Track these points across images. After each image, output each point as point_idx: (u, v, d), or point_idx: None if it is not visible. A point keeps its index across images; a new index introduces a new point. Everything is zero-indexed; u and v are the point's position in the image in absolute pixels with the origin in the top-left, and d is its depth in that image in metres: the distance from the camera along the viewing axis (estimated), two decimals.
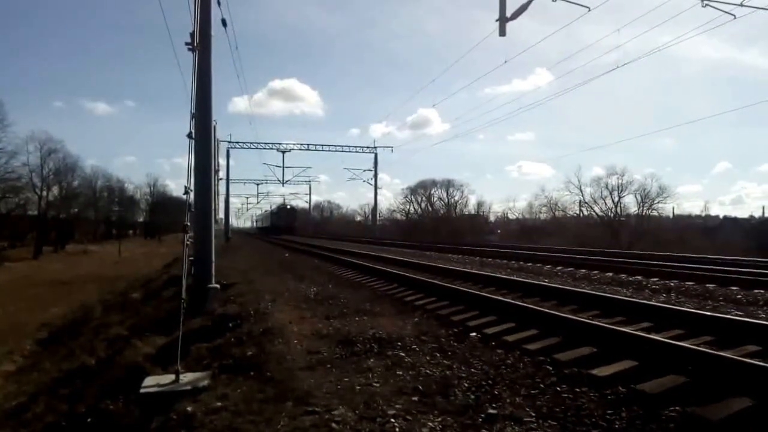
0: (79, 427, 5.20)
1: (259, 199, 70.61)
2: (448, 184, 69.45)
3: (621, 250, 26.07)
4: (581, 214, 54.08)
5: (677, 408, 3.31)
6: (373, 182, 49.84)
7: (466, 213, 68.62)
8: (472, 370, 4.36)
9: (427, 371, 4.35)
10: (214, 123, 10.58)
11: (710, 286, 9.11)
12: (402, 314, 7.09)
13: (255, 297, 9.08)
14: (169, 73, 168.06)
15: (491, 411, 3.41)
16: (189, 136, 5.90)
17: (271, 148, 47.87)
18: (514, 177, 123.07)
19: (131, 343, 7.60)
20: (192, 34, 6.75)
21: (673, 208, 52.82)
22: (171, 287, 13.95)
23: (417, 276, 10.47)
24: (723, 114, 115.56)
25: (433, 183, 70.34)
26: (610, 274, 11.34)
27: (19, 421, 6.94)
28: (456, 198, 69.56)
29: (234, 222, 76.28)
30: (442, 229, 57.75)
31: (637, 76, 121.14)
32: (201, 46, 7.38)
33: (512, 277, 9.95)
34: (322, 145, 47.89)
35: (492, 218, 70.86)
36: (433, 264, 13.83)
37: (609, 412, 3.34)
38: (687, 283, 9.54)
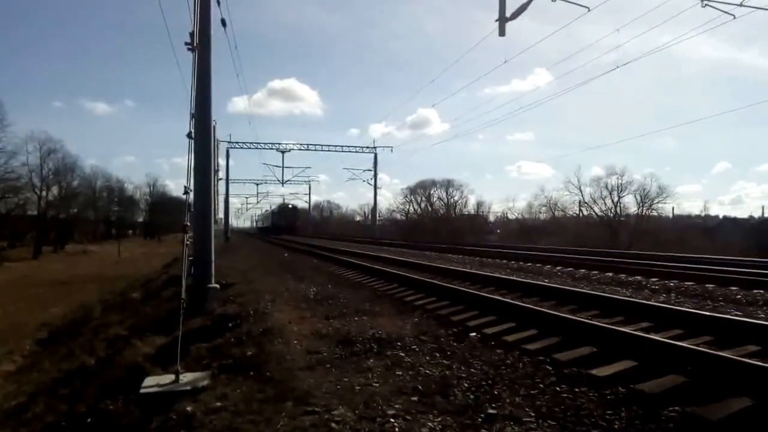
0: (79, 427, 5.20)
1: (259, 199, 70.64)
2: (447, 184, 69.51)
3: (620, 250, 26.07)
4: (581, 214, 54.15)
5: (677, 408, 3.31)
6: (372, 182, 49.81)
7: (466, 213, 68.63)
8: (472, 370, 4.36)
9: (427, 371, 4.36)
10: (213, 123, 10.59)
11: (710, 286, 9.11)
12: (402, 314, 7.10)
13: (254, 297, 9.09)
14: (168, 73, 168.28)
15: (491, 411, 3.41)
16: (189, 136, 5.90)
17: (271, 148, 47.84)
18: (513, 177, 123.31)
19: (131, 343, 7.59)
20: (191, 34, 6.74)
21: (673, 208, 52.90)
22: (170, 287, 13.94)
23: (416, 276, 10.48)
24: (723, 114, 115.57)
25: (433, 183, 70.40)
26: (610, 274, 11.34)
27: (18, 420, 6.94)
28: (455, 198, 69.62)
29: (234, 222, 76.31)
30: (441, 229, 57.74)
31: (636, 76, 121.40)
32: (201, 45, 7.38)
33: (512, 277, 9.95)
34: (322, 145, 47.88)
35: (491, 218, 70.96)
36: (433, 264, 13.83)
37: (609, 412, 3.35)
38: (686, 283, 9.55)
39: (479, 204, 69.97)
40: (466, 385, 3.97)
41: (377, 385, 4.05)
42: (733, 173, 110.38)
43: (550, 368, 4.31)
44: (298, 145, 48.95)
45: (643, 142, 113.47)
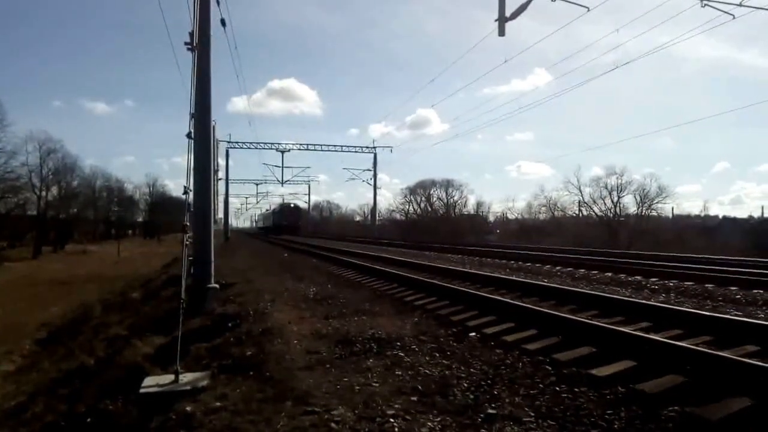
0: (79, 427, 5.19)
1: (258, 199, 70.67)
2: (447, 184, 69.52)
3: (620, 250, 26.08)
4: (580, 214, 54.13)
5: (676, 408, 3.31)
6: (372, 182, 49.81)
7: (466, 213, 68.62)
8: (472, 370, 4.36)
9: (427, 371, 4.36)
10: (213, 123, 10.58)
11: (709, 286, 9.11)
12: (401, 314, 7.10)
13: (254, 297, 9.09)
14: (168, 73, 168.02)
15: (490, 411, 3.41)
16: (188, 136, 5.90)
17: (270, 148, 47.82)
18: (513, 177, 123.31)
19: (131, 342, 7.59)
20: (191, 34, 6.75)
21: (673, 208, 52.81)
22: (170, 287, 13.95)
23: (416, 276, 10.48)
24: (722, 114, 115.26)
25: (433, 183, 70.41)
26: (609, 274, 11.34)
27: (18, 420, 6.93)
28: (455, 198, 69.63)
29: (233, 222, 76.43)
30: (441, 229, 57.74)
31: (636, 76, 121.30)
32: (200, 45, 7.39)
33: (511, 277, 9.96)
34: (321, 145, 47.88)
35: (491, 218, 70.88)
36: (433, 264, 13.83)
37: (608, 412, 3.35)
38: (686, 283, 9.55)
39: (479, 204, 70.06)
40: (465, 385, 3.97)
41: (377, 385, 4.05)
42: (732, 173, 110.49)
43: (550, 368, 4.31)
44: (298, 145, 48.98)
45: (643, 142, 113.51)
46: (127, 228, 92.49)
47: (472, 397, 3.71)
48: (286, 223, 58.44)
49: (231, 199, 51.26)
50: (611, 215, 51.49)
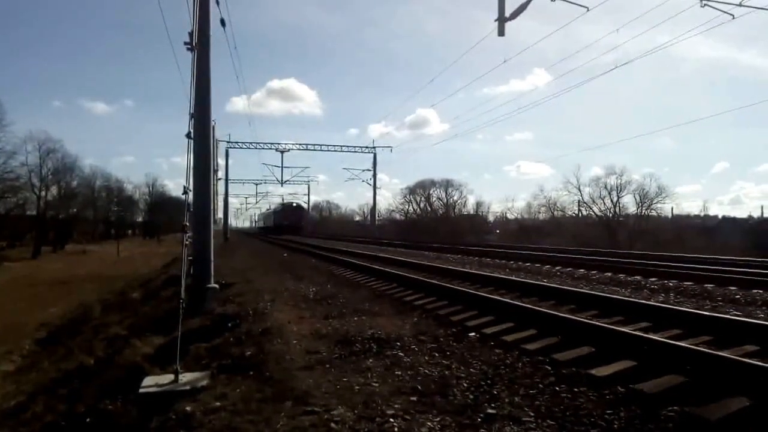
0: (78, 427, 5.19)
1: (258, 199, 70.58)
2: (446, 184, 69.50)
3: (619, 250, 26.09)
4: (580, 214, 54.11)
5: (676, 408, 3.32)
6: (371, 182, 49.83)
7: (465, 213, 68.61)
8: (471, 369, 4.36)
9: (426, 371, 4.36)
10: (212, 123, 10.58)
11: (709, 286, 9.11)
12: (401, 314, 7.10)
13: (254, 297, 9.08)
14: (168, 73, 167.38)
15: (490, 411, 3.41)
16: (188, 136, 5.90)
17: (270, 148, 47.91)
18: (512, 177, 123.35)
19: (130, 342, 7.59)
20: (191, 34, 6.75)
21: (672, 208, 52.77)
22: (170, 287, 13.94)
23: (416, 276, 10.48)
24: (722, 114, 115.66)
25: (432, 183, 70.38)
26: (609, 274, 11.34)
27: (18, 420, 6.92)
28: (455, 198, 69.62)
29: (233, 222, 76.40)
30: (440, 229, 57.74)
31: (635, 76, 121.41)
32: (200, 45, 7.39)
33: (511, 277, 9.96)
34: (321, 145, 47.93)
35: (491, 218, 70.89)
36: (432, 264, 13.84)
37: (608, 411, 3.35)
38: (685, 283, 9.55)
39: (478, 204, 70.06)
40: (465, 384, 3.97)
41: (376, 384, 4.06)
42: (732, 173, 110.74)
43: (549, 368, 4.31)
44: (298, 145, 49.03)
45: (642, 142, 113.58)
46: (127, 228, 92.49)
47: (471, 397, 3.71)
48: (288, 223, 57.23)
49: (230, 199, 51.37)
50: (611, 215, 51.49)
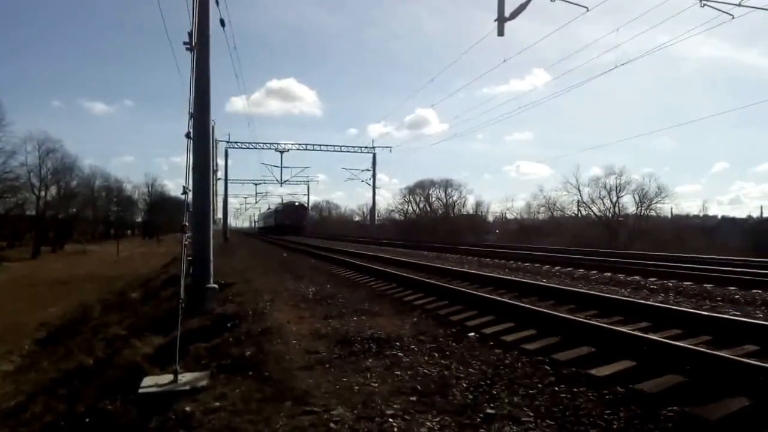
0: (78, 427, 5.19)
1: (258, 199, 70.42)
2: (446, 184, 69.58)
3: (619, 250, 26.10)
4: (579, 214, 54.16)
5: (675, 408, 3.32)
6: (371, 182, 49.83)
7: (465, 213, 68.67)
8: (471, 369, 4.36)
9: (426, 371, 4.36)
10: (212, 123, 10.58)
11: (708, 286, 9.12)
12: (400, 314, 7.10)
13: (253, 297, 9.08)
14: (167, 73, 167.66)
15: (489, 411, 3.41)
16: (187, 135, 5.90)
17: (270, 148, 47.81)
18: (512, 177, 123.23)
19: (130, 342, 7.58)
20: (190, 34, 6.75)
21: (672, 208, 52.85)
22: (169, 287, 13.94)
23: (415, 276, 10.48)
24: (722, 114, 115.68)
25: (432, 183, 70.47)
26: (608, 274, 11.35)
27: (17, 420, 6.92)
28: (454, 198, 69.70)
29: (232, 222, 76.37)
30: (440, 229, 57.78)
31: (635, 76, 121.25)
32: (199, 45, 7.39)
33: (510, 277, 9.96)
34: (321, 145, 47.88)
35: (490, 218, 70.95)
36: (432, 264, 13.84)
37: (607, 411, 3.35)
38: (685, 283, 9.56)
39: (478, 204, 70.13)
40: (464, 384, 3.97)
41: (376, 384, 4.06)
42: (731, 173, 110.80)
43: (549, 368, 4.31)
44: (297, 145, 48.90)
45: (642, 142, 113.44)
46: (127, 228, 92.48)
47: (471, 396, 3.71)
48: (290, 223, 56.27)
49: (230, 199, 51.41)
50: (610, 215, 51.54)
